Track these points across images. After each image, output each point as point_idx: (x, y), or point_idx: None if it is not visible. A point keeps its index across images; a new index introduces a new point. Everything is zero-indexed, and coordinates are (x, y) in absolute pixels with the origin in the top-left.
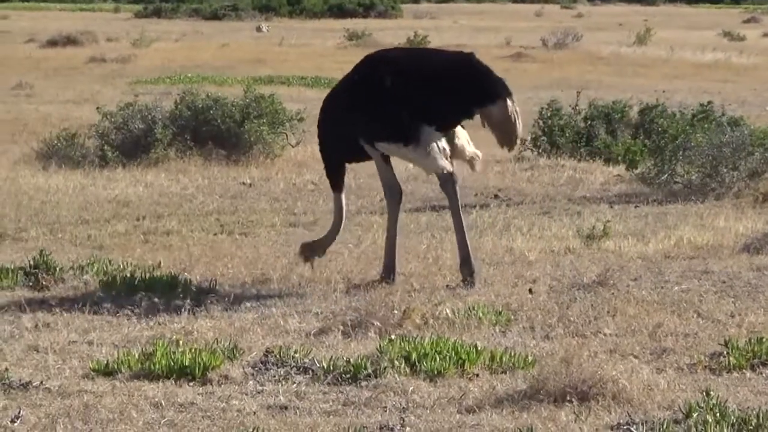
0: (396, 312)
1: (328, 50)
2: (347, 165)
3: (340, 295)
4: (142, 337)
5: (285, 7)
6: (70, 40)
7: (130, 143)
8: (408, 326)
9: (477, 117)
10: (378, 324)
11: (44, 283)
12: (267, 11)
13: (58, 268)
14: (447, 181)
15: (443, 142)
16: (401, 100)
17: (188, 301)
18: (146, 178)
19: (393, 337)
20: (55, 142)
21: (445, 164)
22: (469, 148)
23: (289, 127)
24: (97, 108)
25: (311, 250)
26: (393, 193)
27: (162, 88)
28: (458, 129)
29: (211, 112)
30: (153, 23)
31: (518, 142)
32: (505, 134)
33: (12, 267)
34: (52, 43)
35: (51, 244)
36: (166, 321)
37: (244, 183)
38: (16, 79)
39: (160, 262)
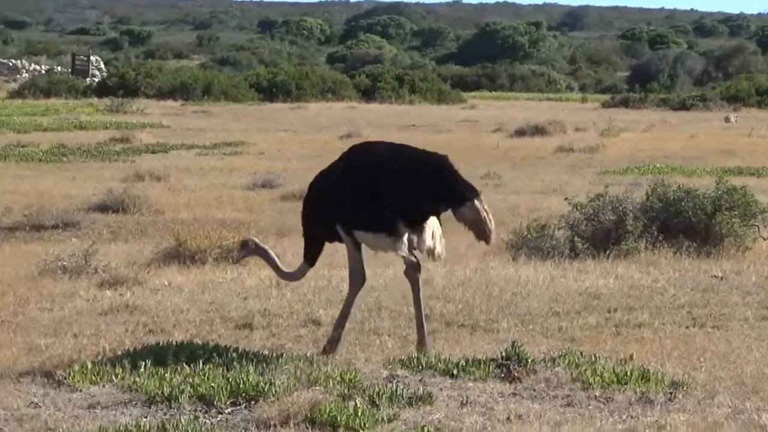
0: None
1: None
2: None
3: None
4: (615, 430)
5: (753, 98)
6: (537, 130)
7: (601, 234)
8: None
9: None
10: None
11: (516, 374)
12: (735, 101)
13: (529, 360)
14: (413, 268)
15: (410, 235)
16: (383, 195)
17: (661, 394)
18: (617, 270)
19: None
20: (525, 233)
21: (413, 256)
22: (430, 242)
23: (761, 219)
24: (566, 198)
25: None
26: (357, 279)
27: (630, 179)
28: (431, 223)
29: (683, 203)
30: (620, 113)
31: (493, 237)
32: (479, 232)
33: (484, 358)
34: (520, 132)
35: (522, 335)
36: (638, 414)
37: (715, 276)
38: (484, 168)
39: (632, 355)
